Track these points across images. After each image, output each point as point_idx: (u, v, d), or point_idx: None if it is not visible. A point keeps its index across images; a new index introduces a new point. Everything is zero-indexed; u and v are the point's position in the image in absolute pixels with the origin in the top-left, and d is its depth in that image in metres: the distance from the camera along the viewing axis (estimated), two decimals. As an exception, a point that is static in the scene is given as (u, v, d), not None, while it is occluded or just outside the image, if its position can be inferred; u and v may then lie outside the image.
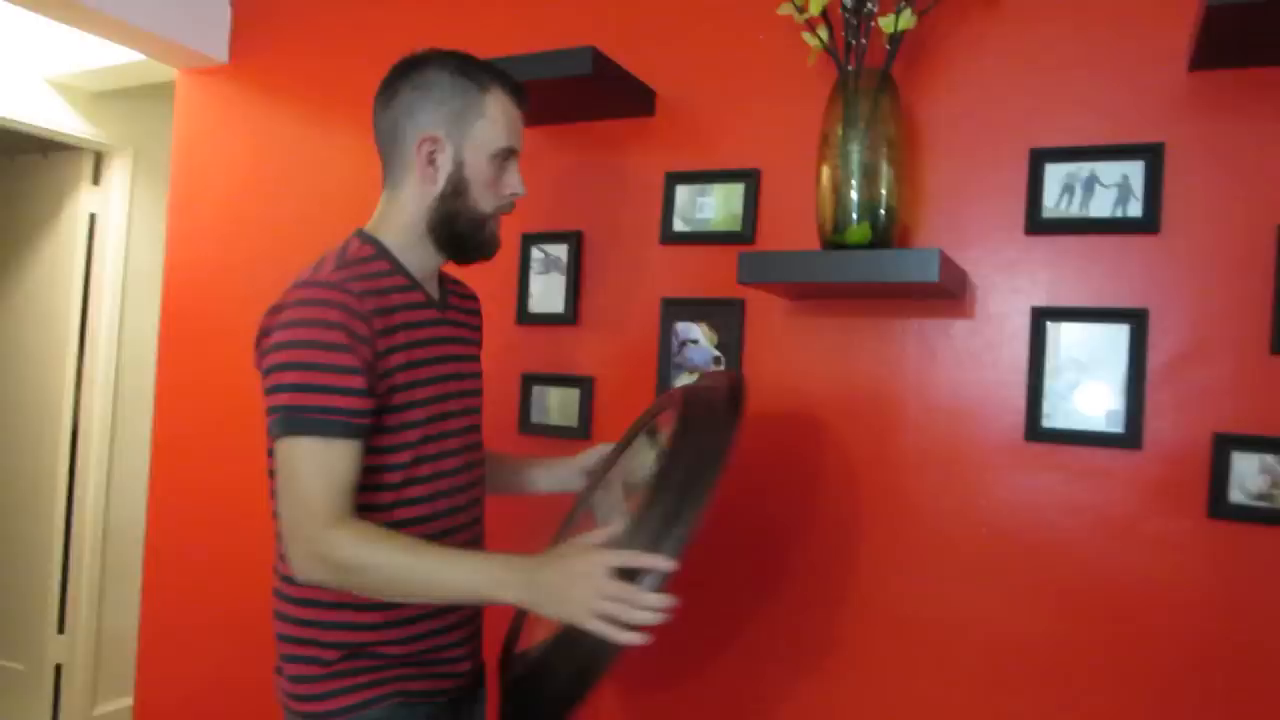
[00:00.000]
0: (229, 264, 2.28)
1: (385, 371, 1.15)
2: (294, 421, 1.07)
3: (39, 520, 3.22)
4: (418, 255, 1.27)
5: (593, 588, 0.97)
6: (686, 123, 1.75)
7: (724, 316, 1.68)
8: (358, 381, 1.10)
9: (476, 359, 1.40)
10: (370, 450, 1.15)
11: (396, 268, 1.24)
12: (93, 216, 3.25)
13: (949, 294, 1.47)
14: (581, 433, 1.79)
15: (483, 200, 1.26)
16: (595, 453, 1.48)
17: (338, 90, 2.15)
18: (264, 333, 1.16)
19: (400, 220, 1.25)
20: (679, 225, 1.74)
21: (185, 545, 2.31)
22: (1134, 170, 1.41)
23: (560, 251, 1.85)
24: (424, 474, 1.22)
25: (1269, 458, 1.32)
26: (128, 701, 3.17)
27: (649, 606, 0.96)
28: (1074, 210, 1.45)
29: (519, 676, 1.15)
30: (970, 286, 1.51)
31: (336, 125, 2.14)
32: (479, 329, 1.45)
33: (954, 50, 1.54)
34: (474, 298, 1.46)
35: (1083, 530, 1.43)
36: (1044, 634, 1.43)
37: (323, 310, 1.10)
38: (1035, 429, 1.46)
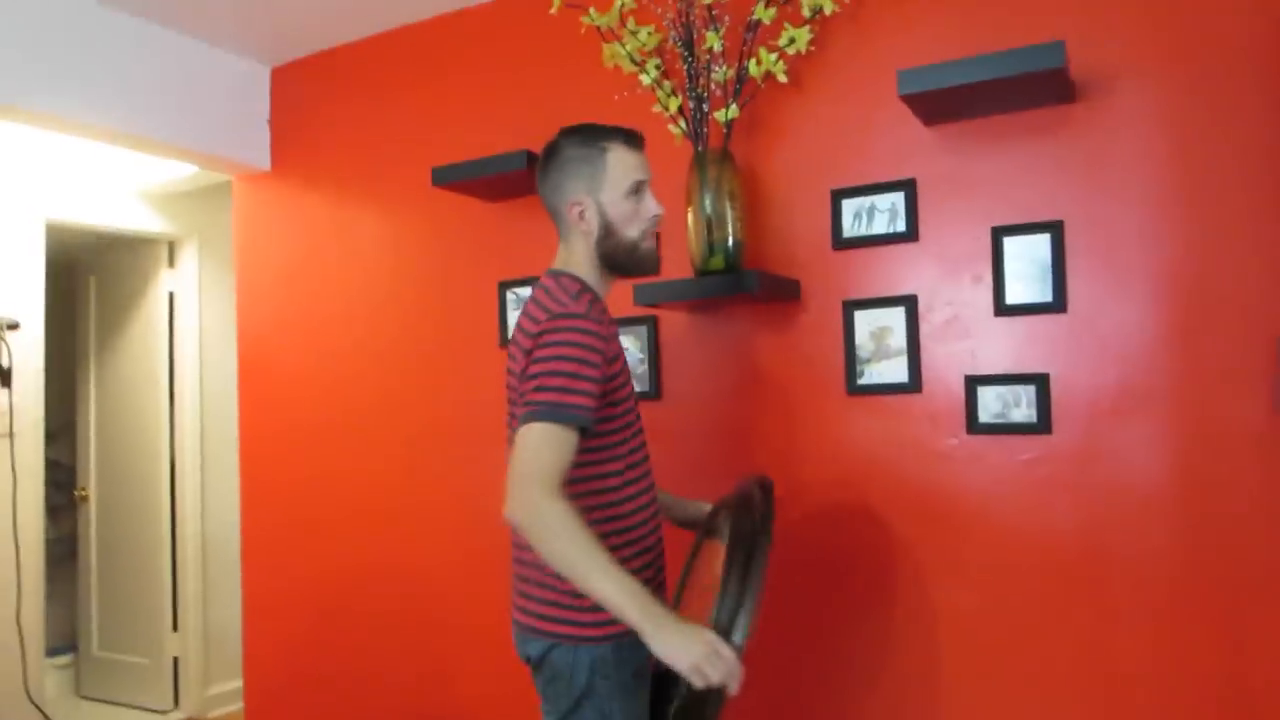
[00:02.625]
0: (285, 321, 2.92)
1: (611, 386, 1.49)
2: (554, 413, 1.36)
3: (150, 540, 3.89)
4: (602, 285, 1.61)
5: (698, 651, 1.26)
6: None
7: (642, 328, 2.28)
8: (597, 390, 1.42)
9: None
10: (596, 449, 1.47)
11: (598, 298, 1.59)
12: (171, 294, 3.93)
13: (786, 296, 2.06)
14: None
15: (629, 230, 1.57)
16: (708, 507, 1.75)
17: (356, 186, 2.78)
18: (533, 337, 1.44)
19: (581, 261, 1.58)
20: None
21: (274, 550, 2.95)
22: (898, 199, 1.99)
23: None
24: (636, 475, 1.55)
25: (1000, 389, 1.89)
26: (236, 683, 3.81)
27: (729, 673, 1.27)
28: (862, 230, 2.03)
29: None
30: (803, 288, 2.10)
31: (355, 213, 2.78)
32: None
33: (775, 124, 2.13)
34: None
35: (892, 452, 2.00)
36: (880, 533, 2.01)
37: (581, 335, 1.41)
38: (852, 384, 2.03)
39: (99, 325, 4.08)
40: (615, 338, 1.58)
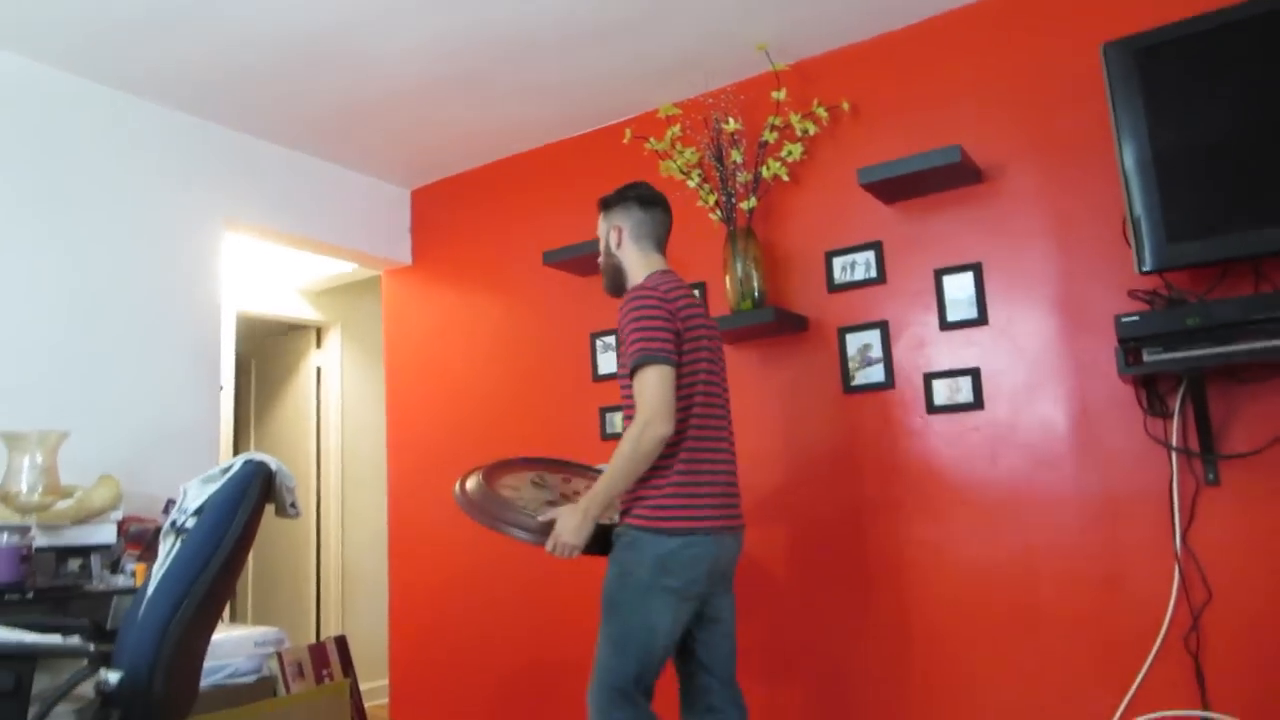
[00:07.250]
0: (424, 375, 3.76)
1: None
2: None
3: (299, 562, 4.67)
4: None
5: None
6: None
7: (695, 357, 3.06)
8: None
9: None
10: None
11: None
12: (318, 369, 4.82)
13: (797, 327, 2.84)
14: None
15: None
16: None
17: (476, 272, 3.65)
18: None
19: None
20: (667, 314, 3.14)
21: (416, 566, 3.71)
22: (871, 255, 2.79)
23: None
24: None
25: (948, 380, 2.63)
26: (369, 684, 4.49)
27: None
28: (848, 278, 2.82)
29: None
30: (809, 321, 2.87)
31: (477, 291, 3.64)
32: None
33: (783, 209, 2.96)
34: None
35: (877, 431, 2.73)
36: (870, 489, 2.73)
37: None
38: (846, 386, 2.79)
39: (258, 396, 4.97)
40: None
